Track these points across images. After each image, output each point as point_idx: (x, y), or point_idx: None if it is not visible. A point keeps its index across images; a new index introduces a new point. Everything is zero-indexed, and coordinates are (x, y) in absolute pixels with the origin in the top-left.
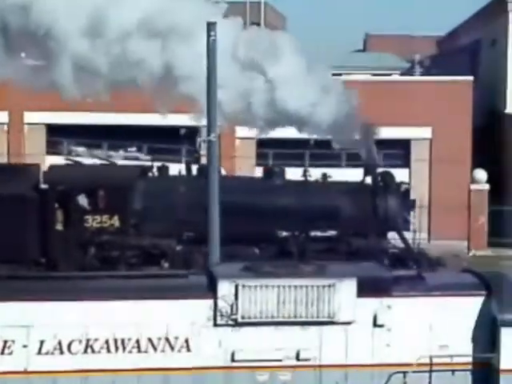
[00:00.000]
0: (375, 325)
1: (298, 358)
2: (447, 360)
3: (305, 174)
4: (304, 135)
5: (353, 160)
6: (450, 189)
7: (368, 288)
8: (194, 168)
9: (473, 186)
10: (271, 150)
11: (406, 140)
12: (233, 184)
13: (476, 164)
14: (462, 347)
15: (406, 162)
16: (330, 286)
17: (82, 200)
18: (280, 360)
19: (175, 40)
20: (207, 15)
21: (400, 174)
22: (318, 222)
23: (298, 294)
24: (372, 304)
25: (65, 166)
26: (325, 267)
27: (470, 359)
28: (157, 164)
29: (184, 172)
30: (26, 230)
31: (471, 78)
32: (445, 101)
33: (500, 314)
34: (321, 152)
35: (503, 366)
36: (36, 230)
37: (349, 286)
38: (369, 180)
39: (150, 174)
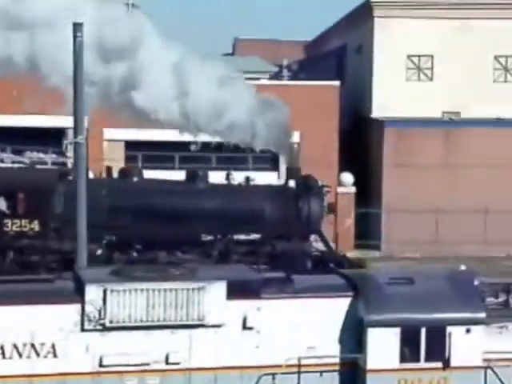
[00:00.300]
0: (245, 327)
1: (167, 362)
2: (315, 361)
3: (228, 177)
4: (180, 137)
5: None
6: None
7: (238, 291)
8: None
9: (340, 189)
10: (140, 153)
11: None
12: (155, 187)
13: (344, 167)
14: (330, 348)
15: (274, 166)
16: (199, 288)
17: (1, 203)
18: (148, 364)
19: (40, 32)
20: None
21: (269, 178)
22: (241, 225)
23: (167, 297)
24: (241, 306)
25: None
26: (195, 270)
27: (337, 360)
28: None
29: (104, 175)
30: None
31: (337, 82)
32: (312, 105)
33: (366, 315)
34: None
35: (370, 366)
36: None
37: (218, 289)
38: (292, 183)
39: (70, 177)
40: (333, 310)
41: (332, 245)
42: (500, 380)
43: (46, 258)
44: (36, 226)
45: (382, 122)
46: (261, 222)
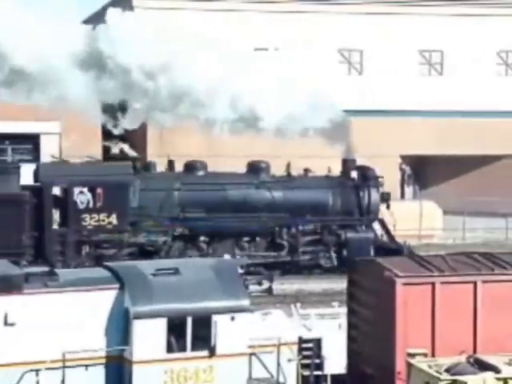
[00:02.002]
0: (6, 323)
1: None
2: (81, 355)
3: (288, 168)
4: None
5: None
6: None
7: None
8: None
9: None
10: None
11: (36, 134)
12: (224, 180)
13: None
14: (96, 341)
15: (35, 156)
16: None
17: (81, 198)
18: None
19: None
20: None
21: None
22: (306, 215)
23: None
24: (2, 302)
25: (60, 163)
26: None
27: (103, 353)
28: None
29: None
30: (23, 229)
31: None
32: None
33: (132, 307)
34: None
35: (136, 357)
36: (32, 229)
37: None
38: (351, 174)
39: (143, 172)
40: (98, 302)
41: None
42: (264, 366)
43: (121, 252)
44: (114, 219)
45: None
46: (325, 212)
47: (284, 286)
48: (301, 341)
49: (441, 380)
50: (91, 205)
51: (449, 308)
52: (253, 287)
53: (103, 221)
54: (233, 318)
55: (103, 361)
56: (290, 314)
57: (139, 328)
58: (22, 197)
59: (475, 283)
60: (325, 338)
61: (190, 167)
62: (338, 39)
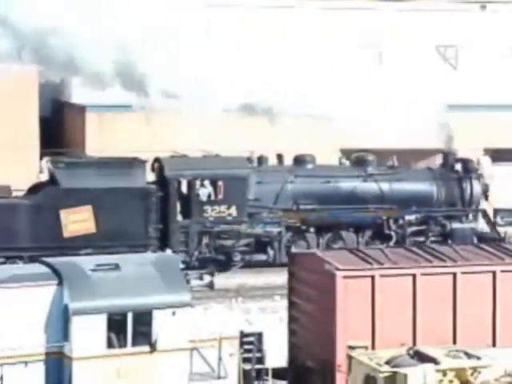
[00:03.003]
0: None
1: None
2: (20, 352)
3: (392, 161)
4: None
5: None
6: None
7: None
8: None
9: (42, 175)
10: None
11: None
12: (334, 173)
13: (44, 153)
14: (36, 338)
15: None
16: None
17: (203, 191)
18: None
19: None
20: None
21: None
22: (412, 206)
23: None
24: None
25: (184, 158)
26: None
27: (43, 349)
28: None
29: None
30: (149, 221)
31: (35, 67)
32: (11, 87)
33: (71, 303)
34: None
35: (75, 354)
36: (158, 221)
37: None
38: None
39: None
40: (37, 299)
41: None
42: (205, 361)
43: (239, 242)
44: (233, 211)
45: (83, 107)
46: (430, 203)
47: (225, 280)
48: (242, 335)
49: (381, 372)
50: (212, 197)
51: (388, 300)
52: (194, 282)
53: (223, 212)
54: (174, 313)
55: (43, 357)
56: (231, 308)
57: (79, 324)
58: (149, 190)
59: (414, 276)
60: (266, 332)
61: (300, 160)
62: (435, 36)
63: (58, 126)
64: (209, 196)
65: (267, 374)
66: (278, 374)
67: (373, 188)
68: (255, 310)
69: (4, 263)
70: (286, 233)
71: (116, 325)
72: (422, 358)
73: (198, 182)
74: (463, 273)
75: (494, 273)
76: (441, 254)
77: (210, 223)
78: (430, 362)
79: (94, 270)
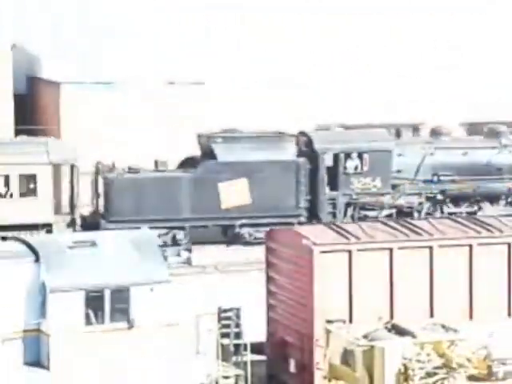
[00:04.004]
0: None
1: None
2: None
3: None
4: None
5: None
6: None
7: None
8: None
9: None
10: None
11: None
12: (468, 145)
13: (19, 131)
14: (13, 315)
15: None
16: None
17: (350, 164)
18: None
19: None
20: None
21: None
22: None
23: None
24: None
25: (330, 131)
26: None
27: (20, 327)
28: None
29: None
30: (300, 193)
31: (8, 46)
32: None
33: (48, 280)
34: None
35: (53, 331)
36: (307, 192)
37: None
38: None
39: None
40: (13, 276)
41: None
42: (184, 337)
43: (381, 213)
44: (378, 183)
45: (57, 83)
46: None
47: (203, 256)
48: (220, 310)
49: (359, 346)
50: (359, 169)
51: (366, 275)
52: (172, 258)
53: (369, 184)
54: (151, 290)
55: (20, 335)
56: (209, 284)
57: (56, 301)
58: (300, 163)
59: (391, 250)
60: (244, 307)
61: (436, 132)
62: None
63: (32, 103)
64: (355, 168)
65: (245, 349)
66: (256, 348)
67: (507, 159)
68: (233, 285)
69: (166, 234)
70: (426, 203)
71: (94, 302)
72: (399, 331)
73: (344, 155)
74: (440, 246)
75: (470, 246)
76: (418, 228)
77: (356, 195)
78: (408, 335)
79: (71, 247)
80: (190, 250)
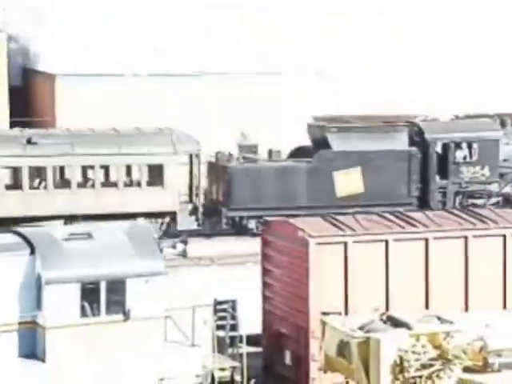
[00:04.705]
0: None
1: None
2: None
3: None
4: None
5: None
6: None
7: None
8: None
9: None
10: None
11: None
12: None
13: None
14: (8, 308)
15: None
16: None
17: (459, 153)
18: None
19: None
20: None
21: None
22: None
23: None
24: None
25: (439, 121)
26: None
27: (15, 319)
28: None
29: None
30: (411, 182)
31: (4, 34)
32: None
33: (44, 272)
34: None
35: (49, 323)
36: (418, 181)
37: None
38: None
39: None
40: (9, 268)
41: None
42: (179, 329)
43: (489, 201)
44: (486, 172)
45: (53, 75)
46: None
47: (198, 248)
48: (216, 303)
49: (354, 338)
50: (468, 159)
51: (361, 267)
52: (167, 250)
53: (477, 173)
54: (147, 282)
55: (16, 327)
56: (204, 276)
57: (52, 293)
58: (411, 152)
59: (387, 241)
60: (240, 300)
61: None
62: None
63: (27, 95)
64: (464, 158)
65: (241, 341)
66: (252, 340)
67: None
68: (229, 277)
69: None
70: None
71: (89, 294)
72: (394, 323)
73: (454, 145)
74: (435, 238)
75: (465, 238)
76: (413, 219)
77: (465, 183)
78: (403, 327)
79: (66, 240)
80: (185, 242)
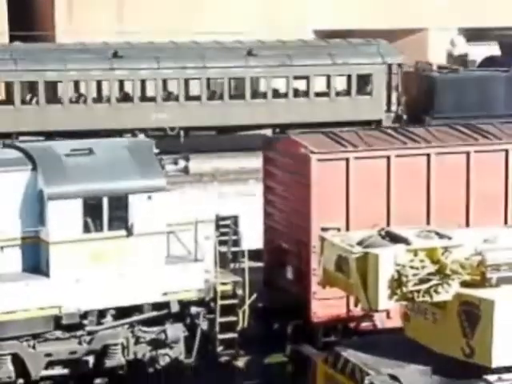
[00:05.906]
0: None
1: None
2: None
3: None
4: None
5: None
6: None
7: None
8: None
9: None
10: None
11: None
12: None
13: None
14: (10, 223)
15: None
16: None
17: None
18: None
19: None
20: None
21: None
22: None
23: None
24: None
25: None
26: None
27: (18, 234)
28: None
29: None
30: None
31: None
32: None
33: (46, 188)
34: None
35: (52, 238)
36: None
37: None
38: None
39: None
40: (10, 184)
41: None
42: (182, 244)
43: None
44: None
45: None
46: None
47: (200, 165)
48: (218, 218)
49: (352, 253)
50: None
51: (363, 183)
52: (169, 167)
53: None
54: (149, 198)
55: (19, 242)
56: (206, 192)
57: (54, 209)
58: None
59: (388, 157)
60: (242, 215)
61: None
62: None
63: (26, 8)
64: None
65: (243, 256)
66: (254, 255)
67: None
68: (231, 193)
69: None
70: None
71: (92, 209)
72: (393, 238)
73: None
74: (437, 154)
75: (467, 153)
76: (415, 135)
77: None
78: (401, 242)
79: (68, 155)
80: (187, 159)
